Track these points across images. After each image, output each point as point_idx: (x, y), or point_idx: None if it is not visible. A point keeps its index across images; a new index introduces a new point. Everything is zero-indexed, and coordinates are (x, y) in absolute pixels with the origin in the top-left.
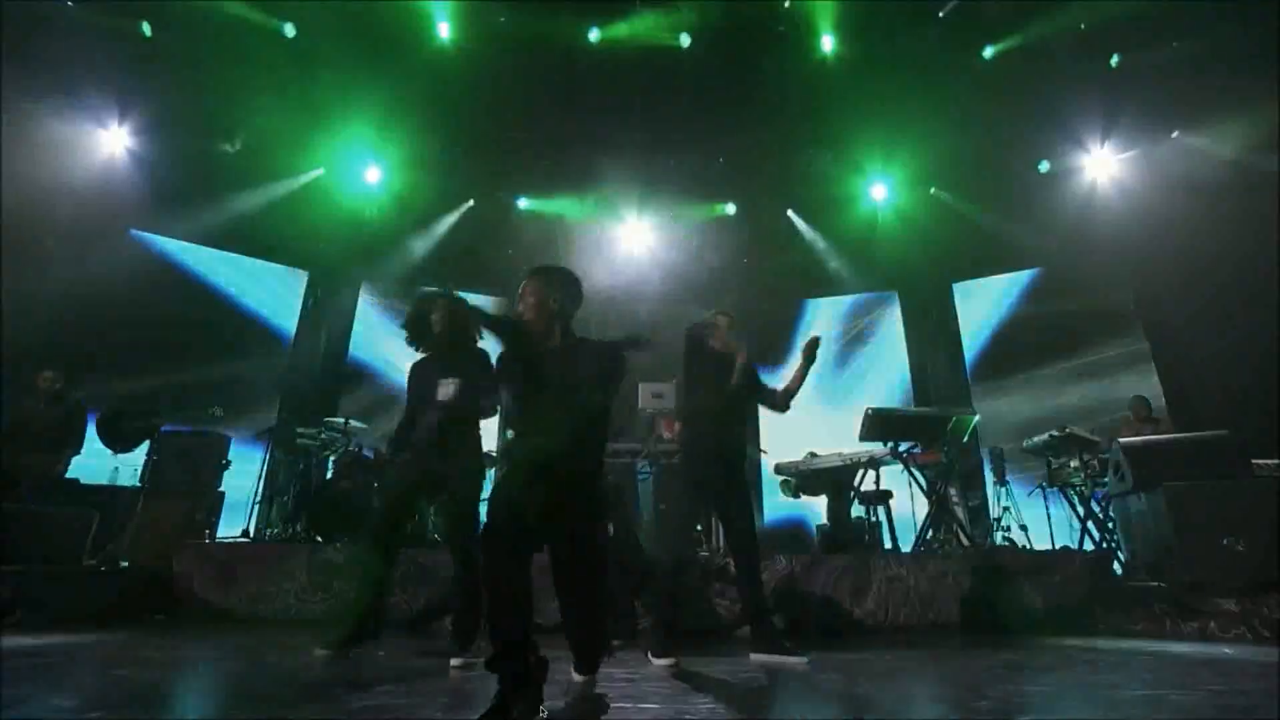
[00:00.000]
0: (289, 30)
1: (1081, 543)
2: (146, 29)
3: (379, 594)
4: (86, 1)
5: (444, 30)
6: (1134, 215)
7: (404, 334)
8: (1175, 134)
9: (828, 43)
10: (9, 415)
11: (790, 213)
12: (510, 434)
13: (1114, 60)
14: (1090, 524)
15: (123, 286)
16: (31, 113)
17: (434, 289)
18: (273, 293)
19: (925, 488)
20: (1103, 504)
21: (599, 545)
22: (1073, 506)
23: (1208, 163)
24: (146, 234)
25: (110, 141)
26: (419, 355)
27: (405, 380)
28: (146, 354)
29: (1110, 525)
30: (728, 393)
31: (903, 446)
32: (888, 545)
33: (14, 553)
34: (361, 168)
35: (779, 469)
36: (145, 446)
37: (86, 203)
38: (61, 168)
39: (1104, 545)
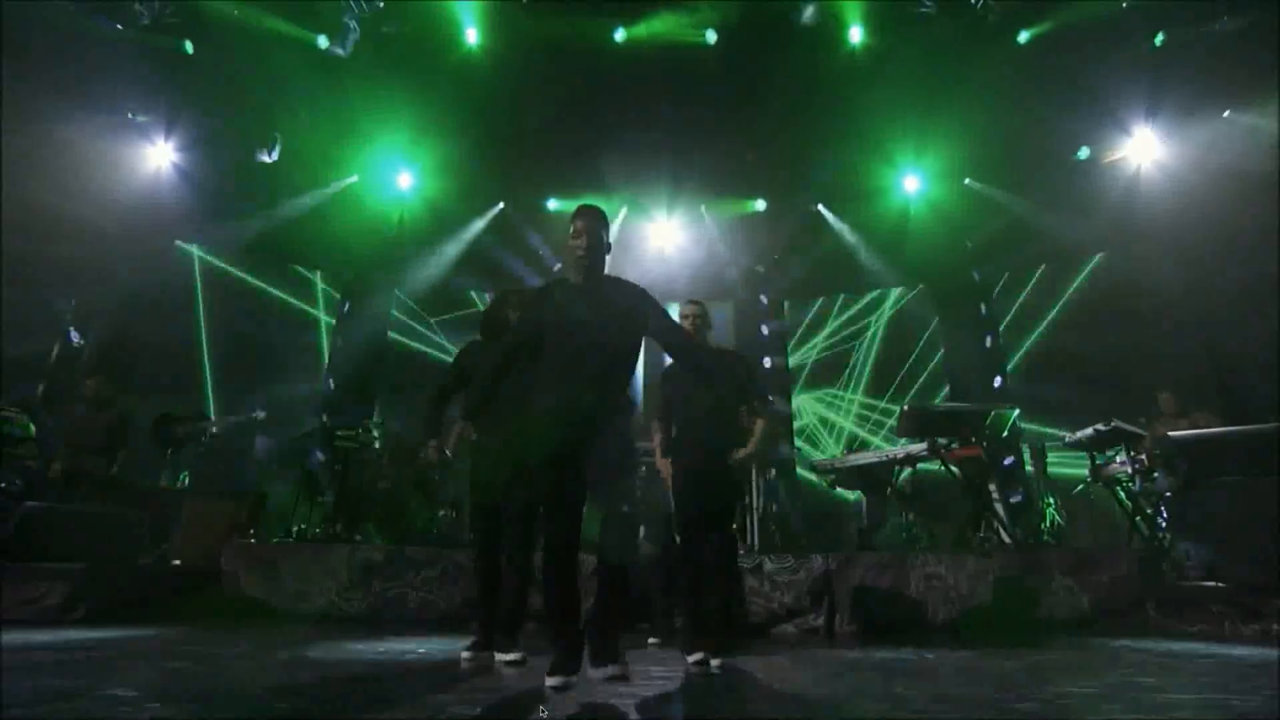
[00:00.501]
0: (322, 42)
1: (1130, 540)
2: (189, 47)
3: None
4: (133, 24)
5: (472, 36)
6: (1180, 199)
7: (479, 330)
8: (1227, 113)
9: (856, 34)
10: (65, 423)
11: (820, 207)
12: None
13: (1159, 39)
14: (1139, 520)
15: (168, 295)
16: (84, 130)
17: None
18: (310, 297)
19: (964, 484)
20: (1153, 500)
21: (625, 495)
22: (1120, 503)
23: (1260, 143)
24: (190, 245)
25: (157, 156)
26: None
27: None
28: (192, 359)
29: (1161, 522)
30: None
31: (940, 443)
32: (925, 543)
33: (75, 551)
34: (394, 174)
35: (816, 466)
36: (190, 448)
37: (135, 216)
38: (111, 183)
39: (1155, 543)
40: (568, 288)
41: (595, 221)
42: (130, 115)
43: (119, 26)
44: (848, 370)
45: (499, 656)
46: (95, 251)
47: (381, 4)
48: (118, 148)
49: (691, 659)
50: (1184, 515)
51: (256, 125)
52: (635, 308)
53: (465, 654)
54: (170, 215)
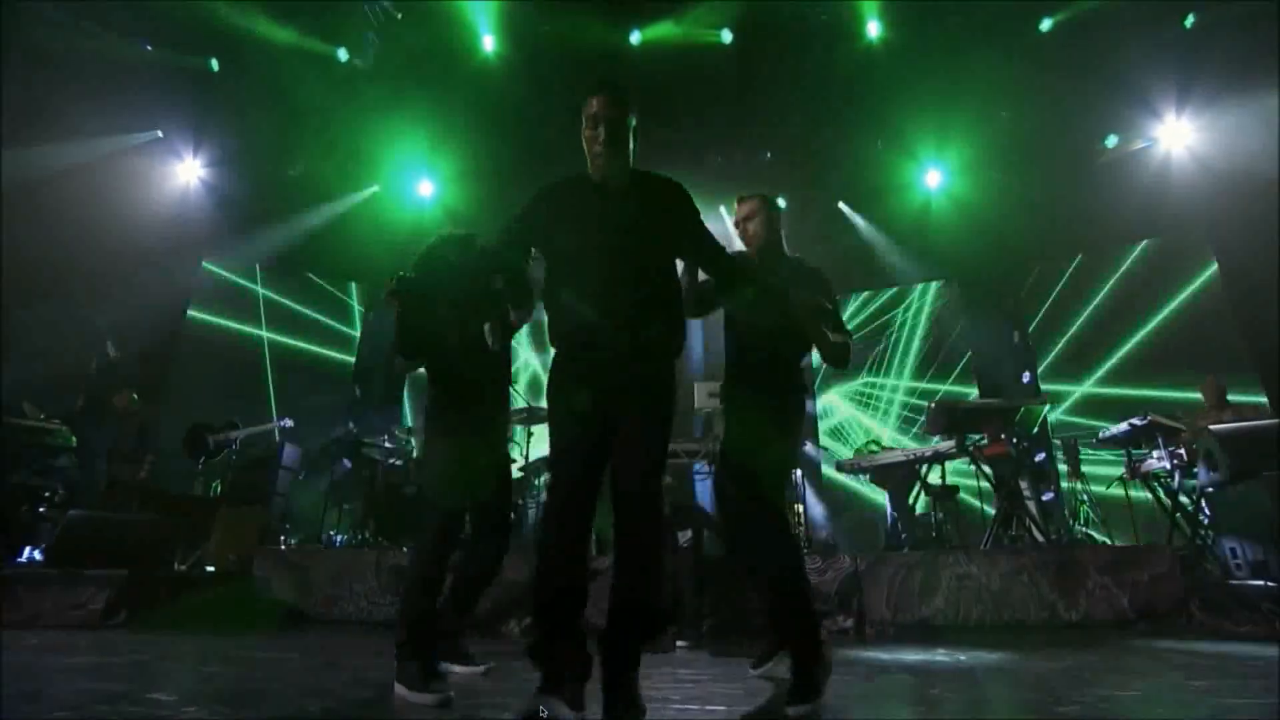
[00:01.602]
0: (342, 55)
1: (1170, 538)
2: (214, 64)
3: None
4: (162, 44)
5: (488, 43)
6: (1216, 184)
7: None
8: (1271, 96)
9: (873, 28)
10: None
11: (841, 204)
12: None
13: (1189, 20)
14: (1179, 517)
15: (197, 308)
16: (118, 148)
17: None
18: (335, 307)
19: (994, 482)
20: (1194, 496)
21: (660, 463)
22: (1158, 500)
23: None
24: (216, 260)
25: (185, 172)
26: None
27: None
28: (221, 371)
29: (1203, 519)
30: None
31: (969, 439)
32: (956, 542)
33: (116, 557)
34: (414, 182)
35: (841, 466)
36: (222, 457)
37: (166, 230)
38: (144, 199)
39: (1197, 541)
40: (581, 187)
41: (618, 100)
42: (160, 133)
43: (148, 47)
44: (881, 356)
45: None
46: (129, 266)
47: (399, 15)
48: (150, 165)
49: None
50: (1228, 511)
51: (280, 137)
52: (673, 211)
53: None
54: (199, 229)
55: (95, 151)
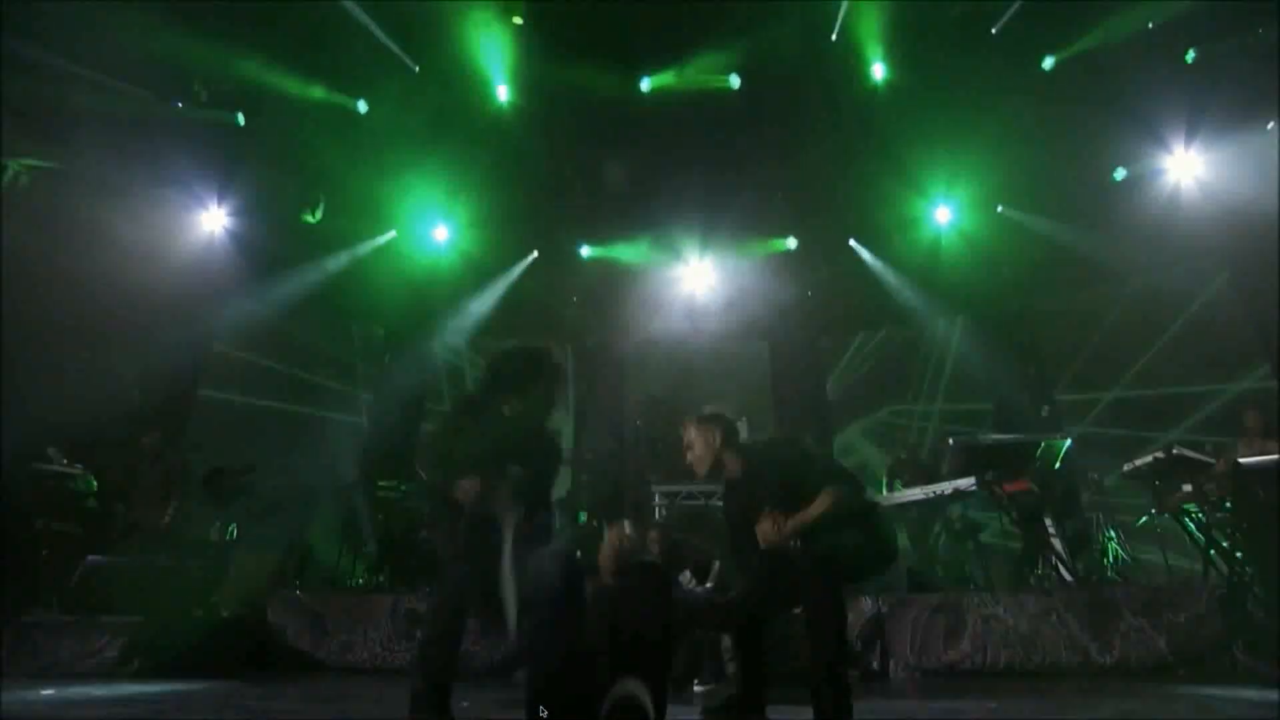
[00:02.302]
0: (362, 107)
1: (1206, 576)
2: (240, 119)
3: None
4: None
5: (502, 93)
6: (1230, 214)
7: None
8: (1270, 124)
9: (878, 70)
10: (118, 474)
11: (853, 242)
12: None
13: (1189, 55)
14: (1214, 554)
15: (218, 352)
16: (147, 199)
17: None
18: (353, 351)
19: (1017, 520)
20: (1229, 532)
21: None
22: (1190, 535)
23: None
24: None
25: (210, 221)
26: None
27: None
28: (241, 414)
29: (1239, 556)
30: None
31: (989, 477)
32: (980, 582)
33: (133, 603)
34: (430, 227)
35: None
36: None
37: (190, 278)
38: (169, 248)
39: (1235, 579)
40: None
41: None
42: (188, 184)
43: (179, 104)
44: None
45: None
46: (155, 314)
47: (417, 69)
48: (176, 214)
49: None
50: (1266, 547)
51: (302, 186)
52: None
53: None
54: (222, 277)
55: (124, 204)
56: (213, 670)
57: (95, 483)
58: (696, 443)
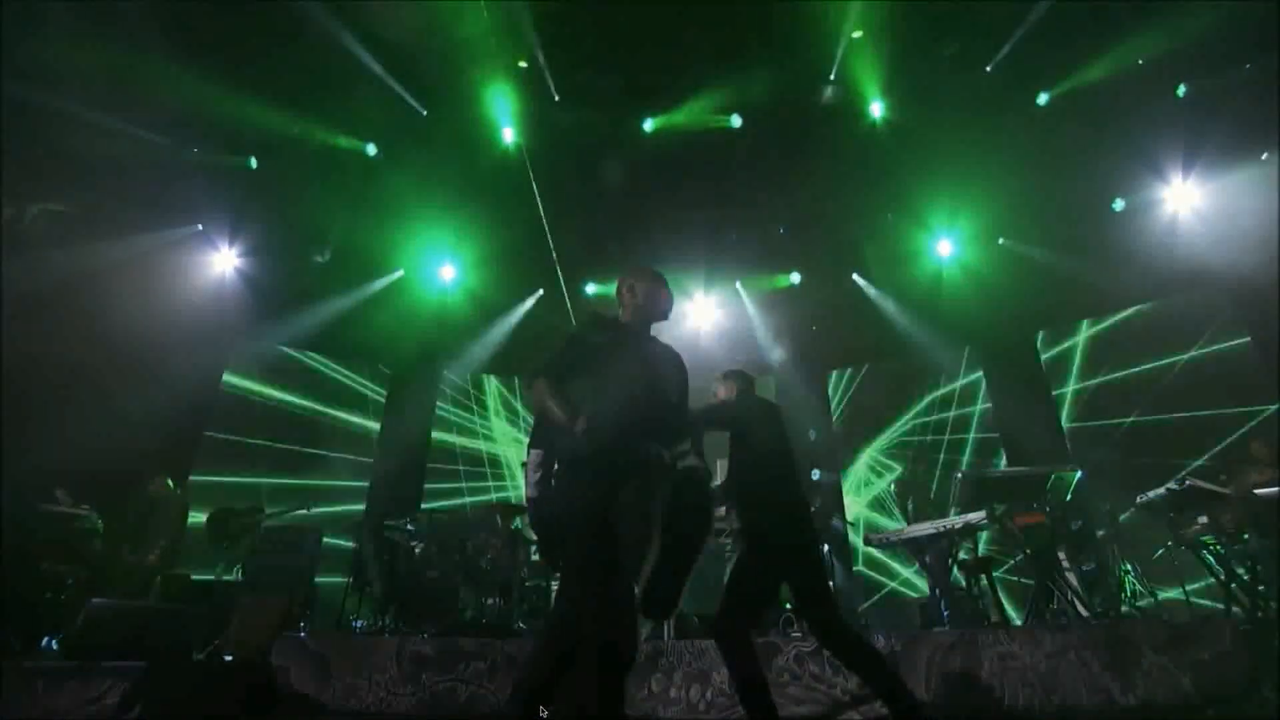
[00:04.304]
0: (370, 149)
1: (1229, 609)
2: (253, 162)
3: None
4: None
5: (508, 135)
6: (1230, 242)
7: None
8: (1265, 155)
9: (876, 109)
10: (121, 514)
11: (856, 277)
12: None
13: (1180, 90)
14: (1234, 588)
15: (227, 392)
16: (160, 241)
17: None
18: (359, 389)
19: (1029, 553)
20: (1248, 564)
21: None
22: (1209, 568)
23: None
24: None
25: (221, 262)
26: None
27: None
28: (246, 454)
29: (1261, 589)
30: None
31: (998, 510)
32: (994, 618)
33: (135, 647)
34: (437, 266)
35: (870, 541)
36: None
37: (201, 318)
38: (181, 289)
39: (1258, 613)
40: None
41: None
42: (200, 226)
43: (195, 150)
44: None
45: None
46: (164, 354)
47: (425, 113)
48: (188, 256)
49: None
50: None
51: (311, 226)
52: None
53: None
54: (233, 316)
55: (139, 247)
56: (214, 715)
57: (102, 523)
58: (720, 391)
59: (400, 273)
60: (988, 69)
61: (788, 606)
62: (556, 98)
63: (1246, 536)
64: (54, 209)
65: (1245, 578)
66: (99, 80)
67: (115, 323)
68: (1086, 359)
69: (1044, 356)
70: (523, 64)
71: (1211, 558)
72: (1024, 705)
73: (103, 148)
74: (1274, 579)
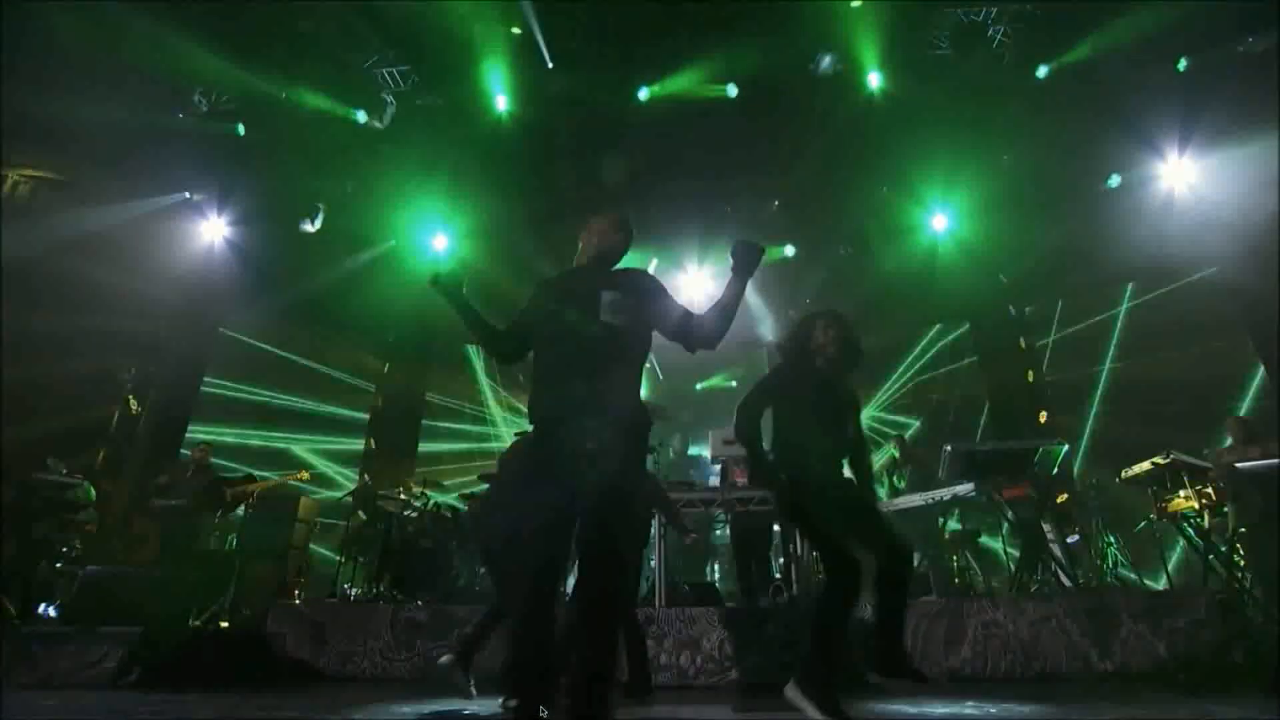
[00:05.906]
0: (361, 117)
1: (1205, 581)
2: (241, 129)
3: None
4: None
5: (501, 103)
6: (1224, 218)
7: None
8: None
9: (874, 79)
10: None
11: (850, 249)
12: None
13: (1180, 64)
14: (1212, 559)
15: (219, 364)
16: (148, 210)
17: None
18: (352, 362)
19: (1015, 525)
20: (1227, 537)
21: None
22: (1189, 541)
23: None
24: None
25: (210, 231)
26: None
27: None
28: (240, 425)
29: (1238, 561)
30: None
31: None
32: (979, 587)
33: (132, 613)
34: (429, 236)
35: None
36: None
37: (190, 287)
38: (169, 258)
39: (1234, 584)
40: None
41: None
42: (188, 195)
43: (180, 115)
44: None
45: None
46: (153, 323)
47: (416, 78)
48: (176, 225)
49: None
50: (1264, 552)
51: (301, 197)
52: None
53: None
54: (222, 286)
55: (126, 214)
56: (212, 680)
57: (94, 492)
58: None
59: (393, 242)
60: (988, 39)
61: (777, 576)
62: (550, 65)
63: (1226, 510)
64: (35, 174)
65: (1223, 550)
66: (79, 39)
67: (103, 291)
68: (1077, 337)
69: (1035, 332)
70: (515, 30)
71: (1191, 530)
72: (1005, 670)
73: (85, 111)
74: (1249, 552)
